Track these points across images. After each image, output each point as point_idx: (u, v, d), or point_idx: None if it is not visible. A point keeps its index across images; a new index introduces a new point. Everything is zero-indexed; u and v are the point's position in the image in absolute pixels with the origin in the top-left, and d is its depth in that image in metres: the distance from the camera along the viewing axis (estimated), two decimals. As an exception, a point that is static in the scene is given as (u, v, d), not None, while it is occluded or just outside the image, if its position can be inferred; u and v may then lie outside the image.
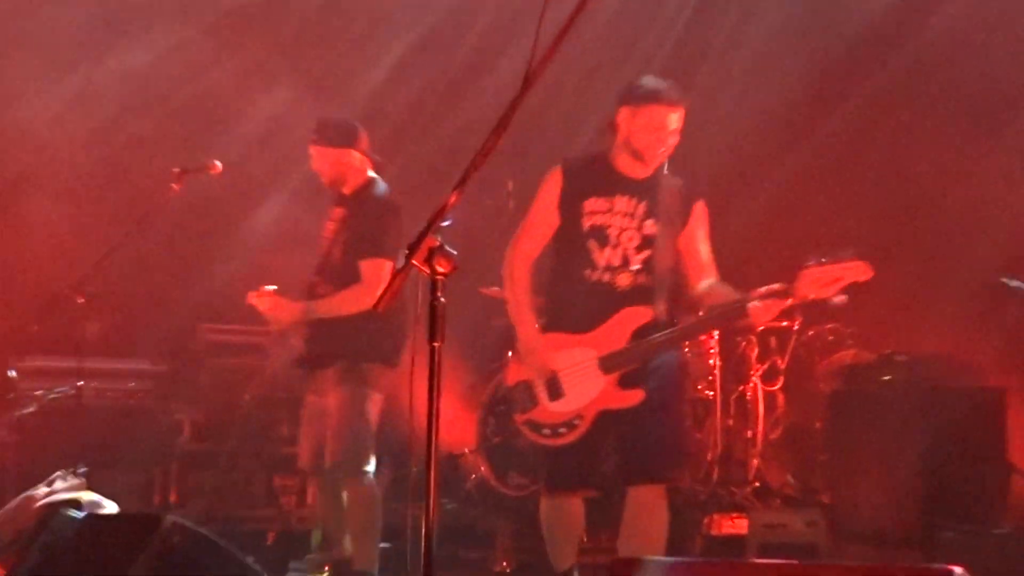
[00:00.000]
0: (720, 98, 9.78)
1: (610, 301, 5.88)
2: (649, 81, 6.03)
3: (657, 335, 5.85)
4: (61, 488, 6.45)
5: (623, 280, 5.88)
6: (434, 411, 3.55)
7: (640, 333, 5.85)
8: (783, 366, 8.79)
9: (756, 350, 8.70)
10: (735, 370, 8.71)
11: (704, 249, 6.11)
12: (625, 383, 5.85)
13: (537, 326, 6.03)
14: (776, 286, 5.61)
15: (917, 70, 9.58)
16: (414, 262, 3.64)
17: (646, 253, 5.90)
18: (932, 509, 7.14)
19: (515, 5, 9.73)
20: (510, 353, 8.67)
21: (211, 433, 9.19)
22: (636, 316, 5.87)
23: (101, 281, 7.73)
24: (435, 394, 3.55)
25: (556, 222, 6.04)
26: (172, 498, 8.93)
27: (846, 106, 9.78)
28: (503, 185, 9.35)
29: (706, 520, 8.05)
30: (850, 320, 8.93)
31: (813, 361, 8.99)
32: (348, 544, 6.88)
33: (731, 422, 8.60)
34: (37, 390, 8.67)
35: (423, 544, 3.58)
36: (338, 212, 7.01)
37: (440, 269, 3.63)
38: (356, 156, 6.96)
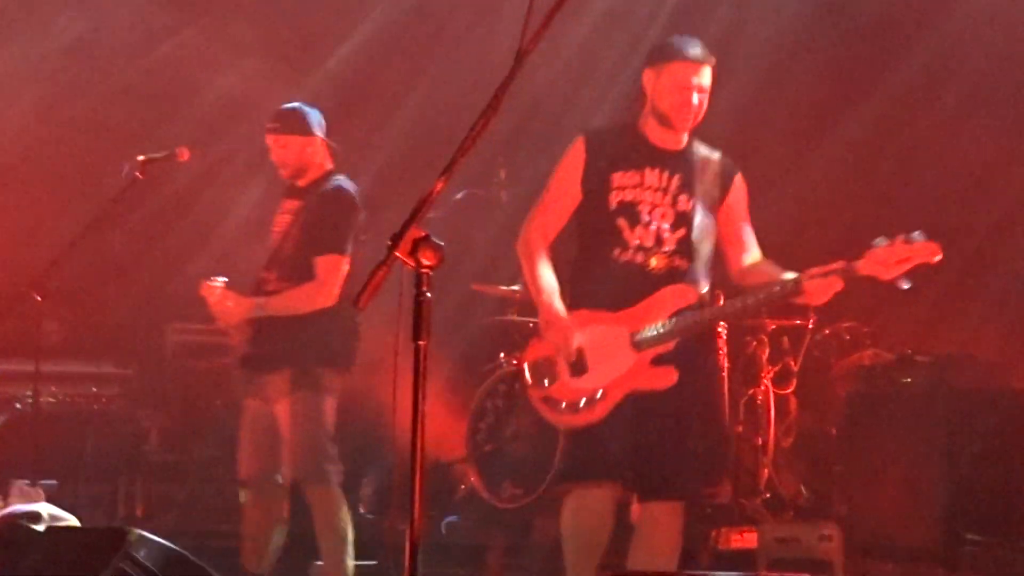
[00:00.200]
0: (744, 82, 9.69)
1: (643, 284, 5.75)
2: (673, 39, 5.94)
3: (700, 312, 5.75)
4: (18, 501, 6.43)
5: (658, 262, 5.77)
6: (419, 416, 3.53)
7: (680, 313, 5.71)
8: (796, 368, 8.77)
9: (767, 350, 8.68)
10: (744, 372, 8.68)
11: (745, 225, 6.01)
12: (658, 361, 5.70)
13: (560, 302, 5.83)
14: (837, 264, 5.47)
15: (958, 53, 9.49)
16: (398, 254, 3.61)
17: (681, 232, 5.80)
18: (955, 520, 7.14)
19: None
20: (502, 355, 8.73)
21: (180, 441, 9.18)
22: (679, 295, 5.73)
23: (60, 277, 7.62)
24: (421, 397, 3.53)
25: (578, 197, 5.90)
26: (138, 511, 8.92)
27: (886, 88, 9.66)
28: (495, 173, 9.32)
29: (713, 533, 8.03)
30: (869, 318, 8.92)
31: (828, 362, 8.97)
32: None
33: (740, 428, 8.59)
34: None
35: (407, 561, 3.56)
36: (292, 204, 7.00)
37: (426, 262, 3.60)
38: (318, 145, 6.97)
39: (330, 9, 10.33)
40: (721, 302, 6.00)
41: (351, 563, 6.86)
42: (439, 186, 3.72)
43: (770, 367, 8.69)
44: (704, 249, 5.84)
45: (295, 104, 7.16)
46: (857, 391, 8.20)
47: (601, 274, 5.82)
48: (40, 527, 5.21)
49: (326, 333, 6.76)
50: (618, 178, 5.83)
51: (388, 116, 10.07)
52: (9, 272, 8.49)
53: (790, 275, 5.61)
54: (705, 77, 5.80)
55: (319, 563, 7.09)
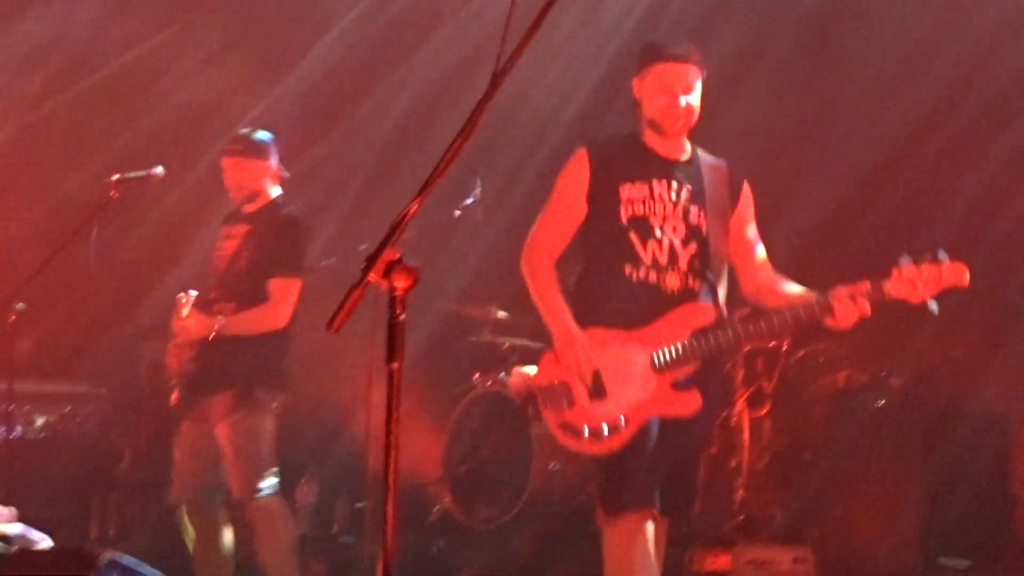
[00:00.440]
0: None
1: (657, 303, 5.51)
2: (655, 41, 5.77)
3: (724, 332, 5.50)
4: (-11, 521, 6.37)
5: (672, 282, 5.53)
6: (392, 440, 3.49)
7: (701, 333, 5.50)
8: (770, 390, 8.75)
9: (742, 372, 8.66)
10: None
11: (755, 237, 5.80)
12: (680, 386, 5.49)
13: (575, 323, 5.57)
14: (864, 284, 5.32)
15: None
16: (371, 278, 3.57)
17: (693, 246, 5.57)
18: (930, 543, 7.13)
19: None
20: (477, 375, 8.70)
21: (154, 460, 9.10)
22: (698, 314, 5.51)
23: (34, 295, 7.60)
24: (394, 421, 3.48)
25: (584, 210, 5.67)
26: (111, 531, 8.85)
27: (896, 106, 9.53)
28: (470, 192, 9.27)
29: (687, 556, 8.00)
30: (843, 339, 8.87)
31: (803, 384, 8.94)
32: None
33: (714, 450, 8.55)
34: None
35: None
36: (238, 229, 7.14)
37: (400, 284, 3.56)
38: (271, 170, 7.09)
39: (300, 19, 10.26)
40: (743, 321, 5.67)
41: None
42: (414, 207, 3.67)
43: (744, 389, 8.67)
44: (719, 264, 5.64)
45: (256, 130, 7.29)
46: (831, 413, 8.19)
47: (612, 291, 5.58)
48: (10, 548, 5.14)
49: (268, 355, 6.93)
50: (626, 190, 5.60)
51: (356, 126, 10.03)
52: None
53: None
54: (691, 77, 5.61)
55: None
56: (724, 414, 8.58)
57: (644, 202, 5.58)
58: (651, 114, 5.64)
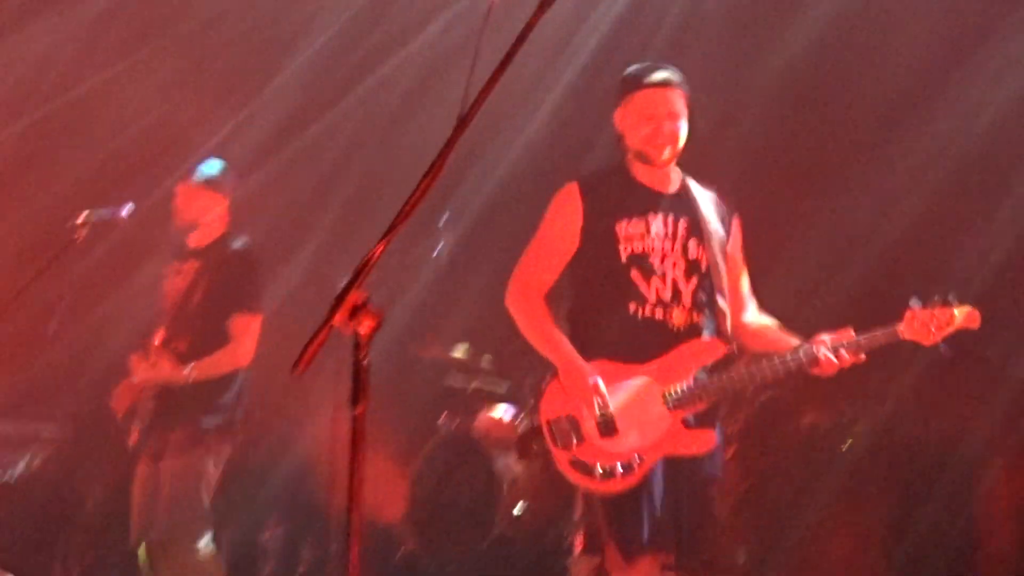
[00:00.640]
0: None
1: (664, 339, 5.41)
2: (634, 69, 5.64)
3: (737, 370, 5.42)
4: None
5: (678, 318, 5.44)
6: (356, 484, 3.43)
7: (712, 370, 5.43)
8: (736, 431, 8.71)
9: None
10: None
11: (743, 273, 5.75)
12: (691, 423, 5.40)
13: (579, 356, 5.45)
14: (880, 330, 5.31)
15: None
16: (335, 322, 3.51)
17: (694, 280, 5.49)
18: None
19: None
20: (443, 416, 8.64)
21: (118, 503, 9.01)
22: (707, 350, 5.44)
23: (-2, 334, 7.54)
24: (357, 467, 3.43)
25: (575, 245, 5.57)
26: (74, 574, 8.76)
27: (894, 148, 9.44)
28: (433, 234, 9.20)
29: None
30: (809, 382, 8.82)
31: (769, 426, 8.91)
32: None
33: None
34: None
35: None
36: (188, 266, 7.04)
37: (364, 329, 3.51)
38: (224, 204, 7.01)
39: (260, 49, 10.15)
40: (747, 364, 5.53)
41: None
42: (379, 249, 3.63)
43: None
44: (720, 298, 5.54)
45: (219, 162, 7.17)
46: (797, 455, 8.16)
47: (616, 327, 5.46)
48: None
49: (219, 394, 6.83)
50: (623, 228, 5.51)
51: (318, 153, 9.96)
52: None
53: (810, 343, 5.42)
54: (674, 102, 5.52)
55: None
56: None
57: (642, 239, 5.49)
58: (636, 145, 5.55)
